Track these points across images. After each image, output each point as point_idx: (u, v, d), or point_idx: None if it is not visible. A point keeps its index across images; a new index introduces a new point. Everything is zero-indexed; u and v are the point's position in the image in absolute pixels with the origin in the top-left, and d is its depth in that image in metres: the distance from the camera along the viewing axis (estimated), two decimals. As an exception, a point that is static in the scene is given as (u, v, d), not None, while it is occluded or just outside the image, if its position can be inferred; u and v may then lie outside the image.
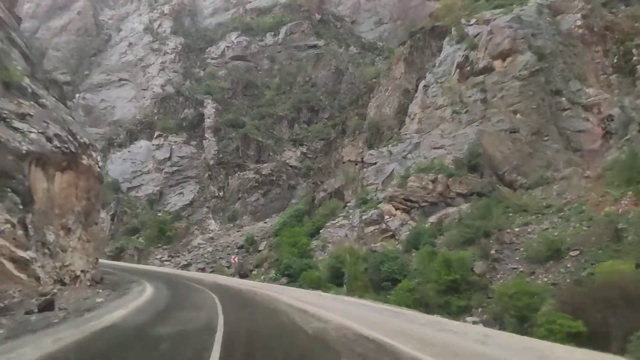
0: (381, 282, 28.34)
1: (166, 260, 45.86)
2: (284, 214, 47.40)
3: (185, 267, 42.26)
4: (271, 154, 57.82)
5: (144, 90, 68.06)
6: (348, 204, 40.53)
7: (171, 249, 48.19)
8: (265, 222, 49.24)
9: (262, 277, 37.89)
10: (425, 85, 40.58)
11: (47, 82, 21.89)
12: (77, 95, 70.44)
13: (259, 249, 43.03)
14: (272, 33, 75.81)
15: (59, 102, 20.83)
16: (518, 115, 34.35)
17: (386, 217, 35.54)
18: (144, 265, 43.27)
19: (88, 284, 17.24)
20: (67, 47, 73.32)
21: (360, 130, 45.34)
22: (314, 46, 73.58)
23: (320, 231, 39.70)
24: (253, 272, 39.38)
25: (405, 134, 40.46)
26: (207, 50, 75.77)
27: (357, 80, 66.38)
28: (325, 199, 44.08)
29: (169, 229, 50.04)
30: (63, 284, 15.18)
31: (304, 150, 57.61)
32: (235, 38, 74.85)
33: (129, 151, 59.53)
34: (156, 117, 61.70)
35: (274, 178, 54.38)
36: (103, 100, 70.01)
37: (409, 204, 35.34)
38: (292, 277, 36.31)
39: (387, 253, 30.42)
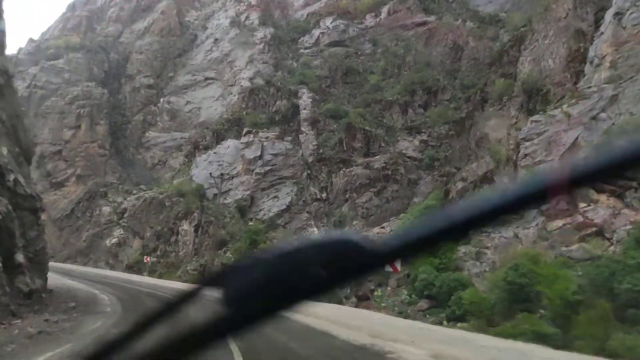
0: (623, 309, 15.98)
1: (259, 279, 35.75)
2: (407, 214, 35.84)
3: (283, 287, 31.80)
4: (383, 145, 46.64)
5: (231, 86, 59.96)
6: (507, 193, 28.19)
7: (265, 264, 38.12)
8: (382, 227, 37.94)
9: (391, 300, 26.49)
10: (616, 14, 27.59)
11: None
12: (161, 99, 64.10)
13: (380, 261, 31.71)
14: (373, 14, 65.49)
15: None
16: None
17: (582, 205, 22.94)
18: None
19: None
20: (151, 48, 67.33)
21: (510, 94, 32.98)
22: (423, 23, 62.03)
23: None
24: (375, 293, 28.07)
25: (589, 87, 27.61)
26: (300, 40, 66.69)
27: (480, 54, 54.03)
28: (467, 190, 32.02)
29: (263, 240, 40.14)
30: None
31: (424, 137, 45.80)
32: (331, 23, 65.17)
33: (214, 152, 51.01)
34: (245, 112, 52.86)
35: (389, 173, 43.03)
36: (188, 102, 62.94)
37: (620, 183, 22.56)
38: (437, 300, 24.79)
39: (621, 260, 17.85)
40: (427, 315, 23.91)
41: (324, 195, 44.75)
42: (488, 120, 33.83)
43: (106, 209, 52.80)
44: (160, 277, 40.08)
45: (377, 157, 44.86)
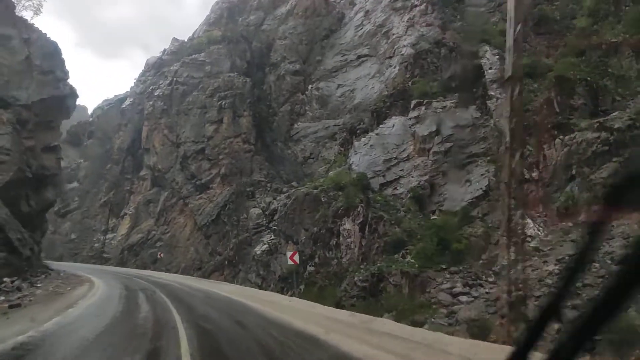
0: None
1: (461, 293, 24.28)
2: None
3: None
4: (618, 98, 32.56)
5: (389, 58, 49.61)
6: None
7: (464, 272, 26.55)
8: (647, 213, 24.20)
9: None
10: None
11: None
12: (309, 86, 56.01)
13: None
14: (563, -49, 51.06)
15: None
16: None
17: None
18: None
19: None
20: (295, 32, 59.92)
21: None
22: (640, -53, 46.18)
23: None
24: None
25: None
26: (468, -2, 54.45)
27: None
28: None
29: (456, 238, 28.65)
30: None
31: (688, 80, 30.87)
32: (508, -30, 51.98)
33: (376, 134, 40.76)
34: (410, 83, 42.07)
35: (638, 133, 28.96)
36: (340, 85, 53.93)
37: None
38: None
39: None
40: None
41: (534, 174, 31.82)
42: None
43: (254, 211, 45.20)
44: (320, 293, 30.38)
45: (613, 114, 30.97)
